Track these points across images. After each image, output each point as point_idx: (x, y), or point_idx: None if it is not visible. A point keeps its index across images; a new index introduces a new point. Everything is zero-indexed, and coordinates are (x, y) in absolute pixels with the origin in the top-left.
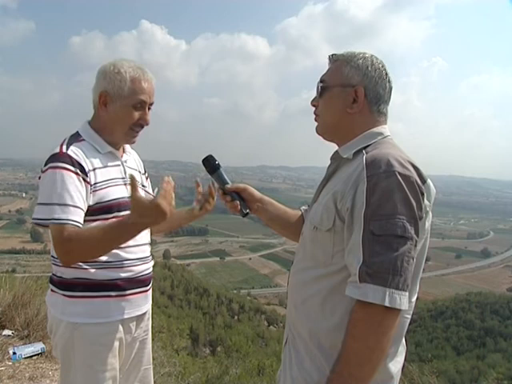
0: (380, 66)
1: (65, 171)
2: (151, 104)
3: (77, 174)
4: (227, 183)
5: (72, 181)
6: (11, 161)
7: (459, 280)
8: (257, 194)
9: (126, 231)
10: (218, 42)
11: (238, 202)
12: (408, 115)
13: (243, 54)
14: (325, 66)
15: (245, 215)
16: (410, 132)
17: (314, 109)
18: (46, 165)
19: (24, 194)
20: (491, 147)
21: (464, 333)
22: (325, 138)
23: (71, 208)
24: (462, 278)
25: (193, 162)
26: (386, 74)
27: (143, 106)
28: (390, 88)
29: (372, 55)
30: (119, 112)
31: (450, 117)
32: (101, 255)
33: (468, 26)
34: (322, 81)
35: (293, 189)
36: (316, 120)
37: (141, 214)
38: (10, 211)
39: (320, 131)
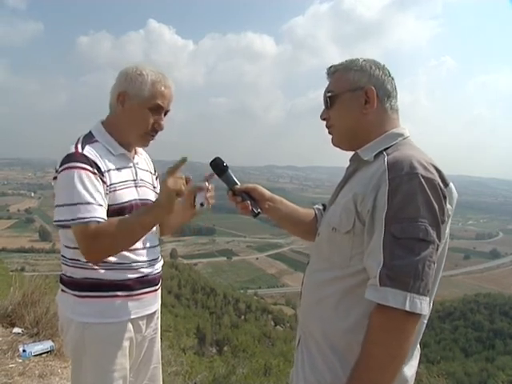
0: (381, 64)
1: (83, 171)
2: (167, 111)
3: (94, 173)
4: (236, 184)
5: (91, 180)
6: (20, 160)
7: (468, 281)
8: (267, 193)
9: (147, 213)
10: (225, 42)
11: (248, 203)
12: (416, 115)
13: (250, 53)
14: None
15: (256, 215)
16: (418, 132)
17: (322, 110)
18: (61, 165)
19: (33, 194)
20: (499, 147)
21: (472, 334)
22: (342, 148)
23: (95, 206)
24: (471, 279)
25: (200, 161)
26: (389, 71)
27: (160, 110)
28: (395, 85)
29: (370, 58)
30: (136, 113)
31: (458, 116)
32: (126, 247)
33: (477, 25)
34: (328, 91)
35: (300, 189)
36: (330, 132)
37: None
38: (18, 210)
39: (337, 142)
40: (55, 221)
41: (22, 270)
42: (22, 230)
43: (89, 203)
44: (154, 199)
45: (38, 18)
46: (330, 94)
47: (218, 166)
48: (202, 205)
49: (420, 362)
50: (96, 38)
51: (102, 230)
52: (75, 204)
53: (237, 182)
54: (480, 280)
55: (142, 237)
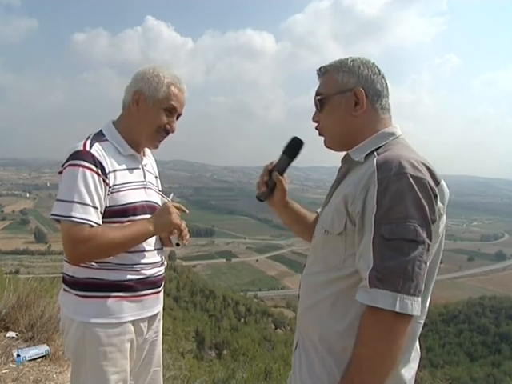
0: (371, 63)
1: (87, 170)
2: (180, 114)
3: (98, 174)
4: (282, 173)
5: (93, 181)
6: (15, 160)
7: (472, 283)
8: (287, 196)
9: (139, 231)
10: (225, 39)
11: (268, 188)
12: (419, 114)
13: (250, 50)
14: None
15: (260, 199)
16: (421, 131)
17: (314, 112)
18: (67, 161)
19: (28, 194)
20: (506, 146)
21: (478, 338)
22: (335, 150)
23: (91, 208)
24: (476, 282)
25: (199, 161)
26: (379, 70)
27: (173, 112)
28: (386, 83)
29: (359, 57)
30: (150, 112)
31: (463, 115)
32: (111, 256)
33: (482, 22)
34: (318, 94)
35: (300, 189)
36: (321, 134)
37: (156, 213)
38: (13, 211)
39: (329, 144)
40: (51, 214)
41: (17, 272)
42: (16, 231)
43: (86, 204)
44: (159, 202)
45: (33, 15)
46: (319, 97)
47: (294, 150)
48: (177, 245)
49: (424, 367)
50: (92, 36)
51: (93, 235)
52: (72, 202)
53: (284, 173)
54: (485, 282)
55: (129, 246)
